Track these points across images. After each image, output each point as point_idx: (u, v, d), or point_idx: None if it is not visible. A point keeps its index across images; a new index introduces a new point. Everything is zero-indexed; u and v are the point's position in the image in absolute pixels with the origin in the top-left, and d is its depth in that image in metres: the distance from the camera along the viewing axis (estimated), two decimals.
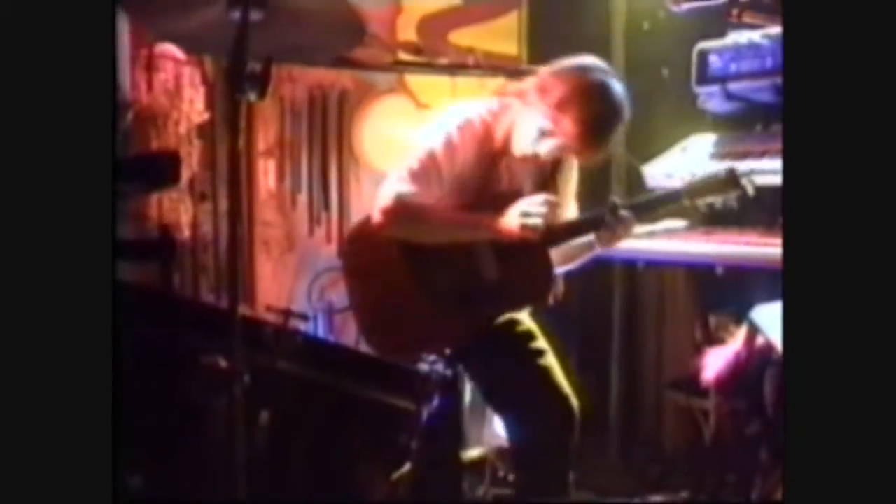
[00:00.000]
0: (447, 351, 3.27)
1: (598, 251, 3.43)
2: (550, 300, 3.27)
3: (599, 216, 3.27)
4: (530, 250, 3.21)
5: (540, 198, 3.17)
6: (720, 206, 3.37)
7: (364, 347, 3.37)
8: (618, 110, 3.18)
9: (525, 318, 3.49)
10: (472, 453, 4.33)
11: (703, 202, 3.36)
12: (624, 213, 3.25)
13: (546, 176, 3.42)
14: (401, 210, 3.17)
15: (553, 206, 3.18)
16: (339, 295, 5.29)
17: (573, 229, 3.35)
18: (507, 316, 3.43)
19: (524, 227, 3.11)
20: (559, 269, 3.47)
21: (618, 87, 3.20)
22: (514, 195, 3.24)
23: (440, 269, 3.28)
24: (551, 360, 3.40)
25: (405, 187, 3.18)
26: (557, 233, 3.28)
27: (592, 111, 3.13)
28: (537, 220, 3.12)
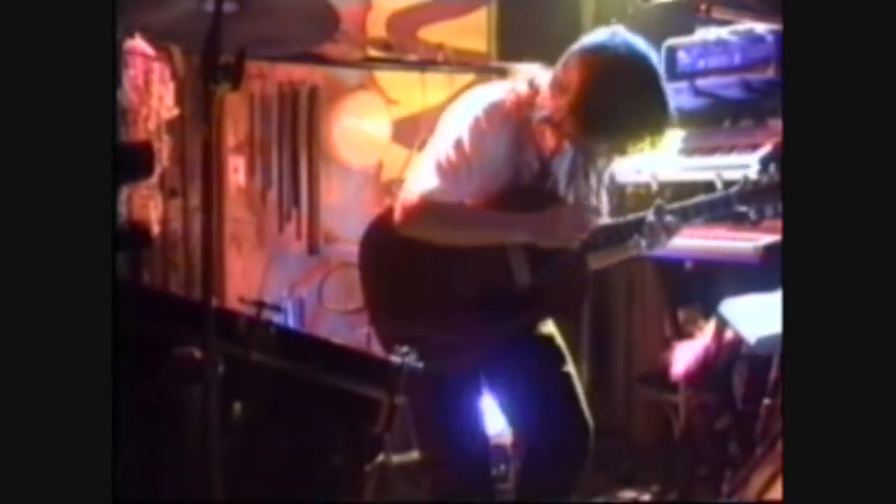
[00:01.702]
0: (469, 361, 3.11)
1: (634, 254, 3.27)
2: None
3: (641, 219, 3.10)
4: (568, 256, 3.06)
5: (586, 206, 3.07)
6: (770, 215, 3.16)
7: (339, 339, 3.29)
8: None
9: (555, 334, 3.32)
10: None
11: (752, 208, 3.15)
12: (669, 217, 3.08)
13: (579, 167, 3.20)
14: (427, 209, 2.97)
15: (598, 216, 3.07)
16: (309, 291, 5.31)
17: (614, 234, 3.16)
18: (539, 329, 3.28)
19: (570, 239, 2.99)
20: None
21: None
22: (550, 191, 3.10)
23: (468, 272, 3.08)
24: (576, 384, 3.28)
25: (431, 184, 2.99)
26: (597, 237, 3.12)
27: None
28: (584, 234, 3.00)
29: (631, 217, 3.20)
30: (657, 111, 2.96)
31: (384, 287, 3.20)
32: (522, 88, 3.07)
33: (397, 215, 3.03)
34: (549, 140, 3.05)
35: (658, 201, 3.16)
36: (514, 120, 3.03)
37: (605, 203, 3.32)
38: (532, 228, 3.01)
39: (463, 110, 3.07)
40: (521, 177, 3.08)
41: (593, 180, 3.25)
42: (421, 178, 3.03)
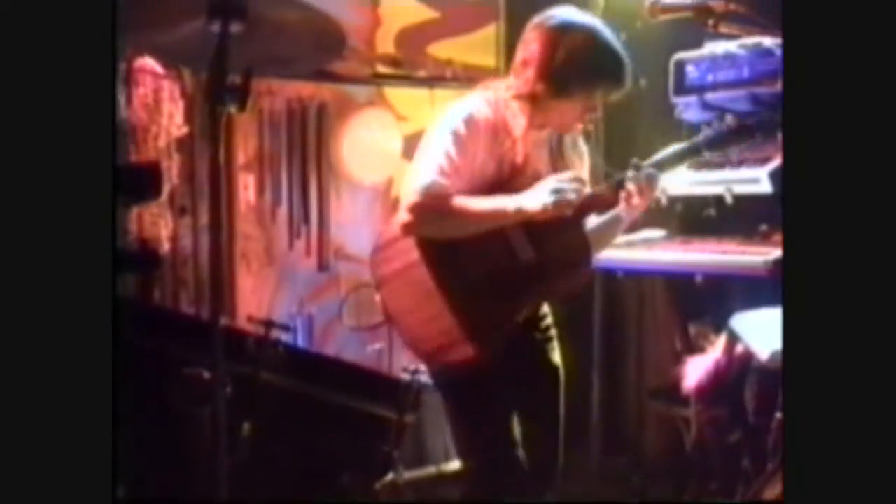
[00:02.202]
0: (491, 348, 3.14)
1: (626, 221, 3.39)
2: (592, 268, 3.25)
3: (621, 179, 3.23)
4: (563, 226, 3.14)
5: (569, 174, 3.14)
6: (736, 155, 3.43)
7: (349, 357, 3.30)
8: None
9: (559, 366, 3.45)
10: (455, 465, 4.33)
11: (721, 152, 3.37)
12: (648, 170, 3.22)
13: (556, 154, 3.35)
14: (428, 204, 3.08)
15: (581, 183, 3.13)
16: (319, 307, 5.31)
17: (597, 199, 3.27)
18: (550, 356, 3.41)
19: (557, 204, 3.05)
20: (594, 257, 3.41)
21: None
22: (533, 178, 3.17)
23: (474, 259, 3.17)
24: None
25: (429, 178, 3.11)
26: (581, 207, 3.20)
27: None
28: (571, 196, 3.06)
29: (608, 181, 3.32)
30: (610, 56, 3.18)
31: (401, 297, 3.26)
32: (491, 96, 3.24)
33: (402, 218, 3.13)
34: (524, 124, 3.19)
35: (634, 159, 3.27)
36: (492, 122, 3.18)
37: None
38: (526, 207, 3.08)
39: (441, 125, 3.21)
40: (503, 171, 3.20)
41: (574, 161, 3.39)
42: (418, 178, 3.14)
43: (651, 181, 3.24)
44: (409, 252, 3.19)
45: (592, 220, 3.38)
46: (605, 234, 3.42)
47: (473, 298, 3.15)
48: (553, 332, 3.46)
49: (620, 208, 3.31)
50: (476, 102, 3.22)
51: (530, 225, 3.14)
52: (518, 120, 3.17)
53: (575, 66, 3.12)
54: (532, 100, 3.17)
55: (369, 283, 3.33)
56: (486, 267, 3.17)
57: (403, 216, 3.12)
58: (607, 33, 3.19)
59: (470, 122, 3.15)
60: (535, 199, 3.07)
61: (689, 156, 3.34)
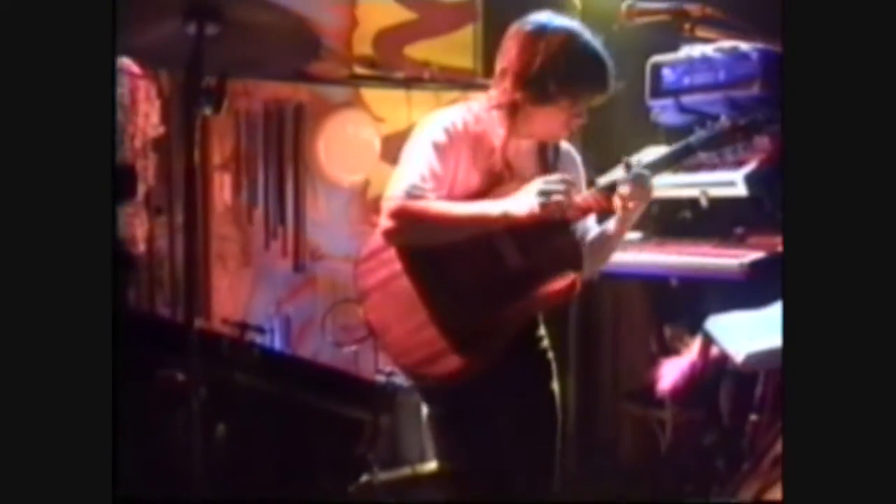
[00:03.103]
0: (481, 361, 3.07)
1: (626, 225, 3.26)
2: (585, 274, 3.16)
3: (613, 181, 3.17)
4: (553, 230, 3.08)
5: (557, 176, 3.06)
6: (731, 156, 3.32)
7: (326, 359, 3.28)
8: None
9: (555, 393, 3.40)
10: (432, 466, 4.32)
11: (715, 153, 3.27)
12: (641, 170, 3.16)
13: (549, 164, 3.25)
14: (409, 208, 3.01)
15: (570, 185, 3.07)
16: (296, 308, 5.30)
17: (590, 203, 3.19)
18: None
19: (545, 206, 2.99)
20: (603, 264, 3.38)
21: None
22: (518, 188, 3.11)
23: (460, 267, 3.10)
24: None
25: (409, 183, 3.04)
26: (574, 210, 3.15)
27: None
28: (559, 198, 3.00)
29: (603, 182, 3.26)
30: (591, 59, 3.12)
31: (386, 310, 3.19)
32: (475, 107, 3.19)
33: (383, 225, 3.06)
34: (503, 134, 3.13)
35: (625, 158, 3.22)
36: (472, 132, 3.13)
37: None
38: (512, 212, 3.03)
39: (421, 136, 3.15)
40: (488, 183, 3.14)
41: (567, 169, 3.28)
42: (399, 184, 3.07)
43: (645, 184, 3.17)
44: (392, 263, 3.13)
45: (591, 231, 3.34)
46: (602, 242, 3.32)
47: (460, 308, 3.09)
48: (550, 355, 3.40)
49: (616, 212, 3.21)
50: (457, 113, 3.17)
51: (518, 230, 3.07)
52: (497, 130, 3.12)
53: (554, 71, 3.05)
54: (512, 109, 3.10)
55: (350, 297, 3.28)
56: (473, 275, 3.10)
57: (384, 222, 3.06)
58: (587, 35, 3.13)
59: (450, 131, 3.09)
60: (521, 202, 3.02)
61: (683, 157, 3.28)
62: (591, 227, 3.36)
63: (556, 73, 3.05)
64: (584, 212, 3.19)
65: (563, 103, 3.10)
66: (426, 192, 3.03)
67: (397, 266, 3.12)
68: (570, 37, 3.10)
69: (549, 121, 3.14)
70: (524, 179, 3.11)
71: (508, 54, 3.13)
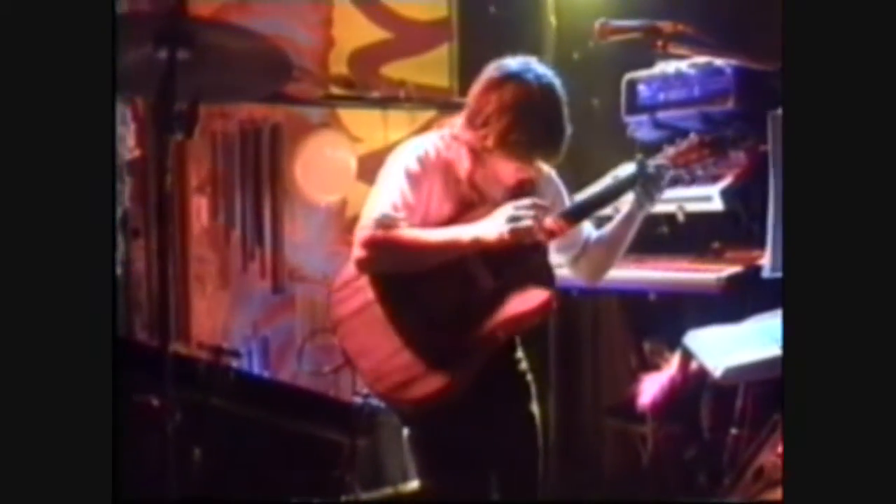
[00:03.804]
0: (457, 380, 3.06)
1: (640, 219, 3.31)
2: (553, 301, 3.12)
3: (631, 176, 3.22)
4: (525, 251, 3.07)
5: (527, 201, 3.05)
6: (702, 173, 3.35)
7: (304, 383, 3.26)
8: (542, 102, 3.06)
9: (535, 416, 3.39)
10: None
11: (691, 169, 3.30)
12: (653, 169, 3.21)
13: (523, 190, 3.20)
14: (380, 237, 3.00)
15: (541, 210, 3.06)
16: (274, 329, 5.29)
17: (603, 196, 3.28)
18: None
19: (514, 231, 2.99)
20: (610, 265, 3.43)
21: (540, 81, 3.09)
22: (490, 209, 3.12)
23: (432, 291, 3.09)
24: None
25: (380, 211, 3.03)
26: (585, 205, 3.23)
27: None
28: (527, 223, 2.99)
29: (615, 179, 3.31)
30: (540, 124, 3.07)
31: (360, 337, 3.18)
32: (450, 132, 3.18)
33: (356, 254, 3.05)
34: (467, 168, 3.14)
35: (638, 155, 3.27)
36: (443, 160, 3.13)
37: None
38: (482, 238, 3.02)
39: (393, 163, 3.15)
40: (460, 212, 3.13)
41: (546, 196, 3.26)
42: (371, 214, 3.06)
43: (662, 178, 3.22)
44: (366, 290, 3.13)
45: (591, 236, 3.38)
46: (618, 234, 3.35)
47: (433, 332, 3.08)
48: (529, 377, 3.40)
49: (631, 206, 3.28)
50: (429, 140, 3.18)
51: (490, 253, 3.07)
52: (463, 163, 3.12)
53: (497, 125, 3.03)
54: (468, 145, 3.10)
55: (325, 327, 3.26)
56: (446, 299, 3.10)
57: (357, 252, 3.05)
58: (551, 97, 3.08)
59: (422, 160, 3.10)
60: (490, 228, 3.02)
61: (615, 196, 3.31)
62: (588, 232, 3.39)
63: (499, 127, 3.02)
64: (552, 235, 3.18)
65: (504, 154, 3.08)
66: (398, 220, 3.02)
67: (370, 294, 3.12)
68: (527, 93, 3.04)
69: (499, 164, 3.12)
70: (496, 203, 3.11)
71: (471, 91, 3.14)
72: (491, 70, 3.12)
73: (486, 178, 3.15)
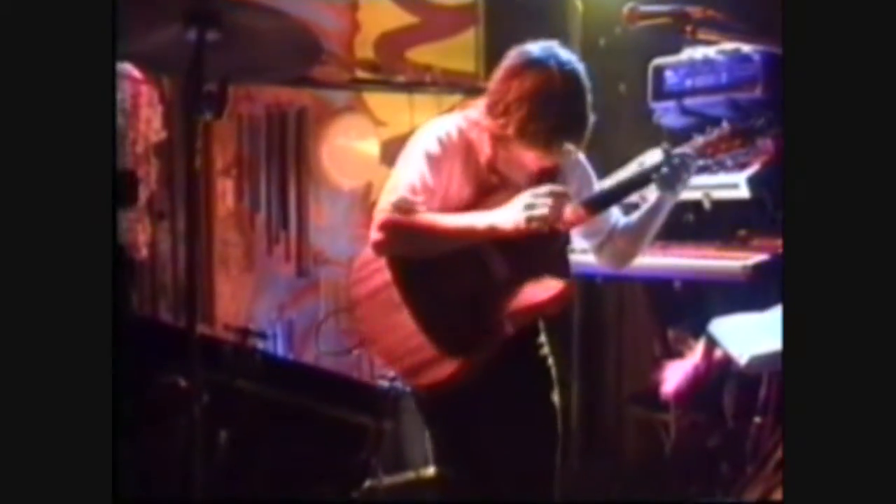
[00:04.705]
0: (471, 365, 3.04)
1: (667, 208, 3.27)
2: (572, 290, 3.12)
3: (655, 165, 3.14)
4: (540, 240, 3.01)
5: (545, 189, 3.00)
6: (731, 163, 3.27)
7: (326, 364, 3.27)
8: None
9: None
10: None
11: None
12: (681, 152, 3.14)
13: (555, 176, 3.17)
14: (397, 221, 2.99)
15: (560, 197, 3.00)
16: (299, 312, 5.30)
17: (626, 186, 3.21)
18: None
19: (530, 219, 2.95)
20: (635, 254, 3.39)
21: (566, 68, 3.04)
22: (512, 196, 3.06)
23: (446, 277, 3.07)
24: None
25: (399, 195, 3.01)
26: (607, 195, 3.19)
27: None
28: (543, 211, 2.95)
29: (640, 167, 3.23)
30: (562, 110, 3.01)
31: (377, 319, 3.18)
32: (473, 114, 3.13)
33: (373, 237, 3.05)
34: (488, 153, 3.11)
35: (664, 144, 3.20)
36: (465, 142, 3.10)
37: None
38: (498, 226, 2.99)
39: (415, 144, 3.12)
40: (480, 195, 3.10)
41: (573, 183, 3.24)
42: (387, 196, 3.05)
43: (688, 166, 3.15)
44: (383, 272, 3.12)
45: (619, 222, 3.35)
46: (647, 221, 3.32)
47: (447, 318, 3.07)
48: (550, 362, 3.37)
49: (656, 195, 3.23)
50: (451, 122, 3.15)
51: (505, 241, 3.04)
52: (484, 147, 3.09)
53: (517, 112, 2.98)
54: (493, 134, 3.06)
55: (341, 307, 3.26)
56: (461, 285, 3.08)
57: (374, 234, 3.05)
58: (573, 83, 3.03)
59: (443, 142, 3.07)
60: (507, 216, 2.99)
61: (638, 186, 3.24)
62: (616, 219, 3.35)
63: (519, 116, 2.97)
64: (572, 225, 3.16)
65: (525, 143, 3.03)
66: (416, 204, 3.01)
67: (386, 276, 3.11)
68: (548, 81, 2.99)
69: (522, 149, 3.06)
70: (519, 188, 3.07)
71: (493, 78, 3.09)
72: (512, 56, 3.08)
73: (508, 163, 3.11)
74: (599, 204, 3.22)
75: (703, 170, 3.27)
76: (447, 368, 3.01)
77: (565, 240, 3.17)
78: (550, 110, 2.98)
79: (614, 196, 3.25)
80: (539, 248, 3.06)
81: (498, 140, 3.06)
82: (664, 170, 3.14)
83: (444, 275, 3.09)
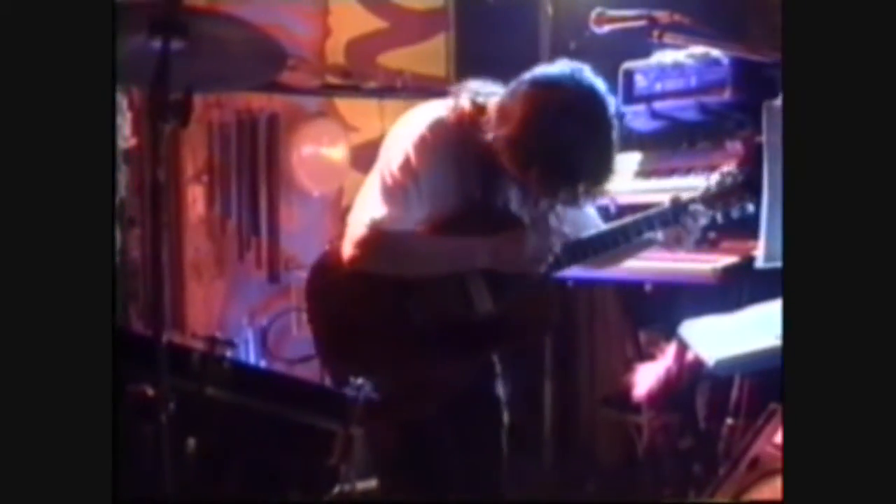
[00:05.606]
0: (434, 402, 2.96)
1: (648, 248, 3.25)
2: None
3: (663, 213, 3.07)
4: (530, 282, 2.93)
5: (549, 230, 2.92)
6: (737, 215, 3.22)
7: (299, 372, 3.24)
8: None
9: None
10: None
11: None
12: (692, 207, 3.07)
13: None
14: (379, 241, 2.83)
15: (559, 237, 2.94)
16: (270, 320, 5.29)
17: (632, 228, 3.13)
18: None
19: (532, 262, 2.86)
20: (612, 266, 3.34)
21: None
22: (503, 211, 2.94)
23: (425, 303, 2.90)
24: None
25: (380, 212, 2.84)
26: (596, 244, 3.07)
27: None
28: (546, 258, 2.88)
29: (646, 213, 3.15)
30: (599, 159, 2.88)
31: (335, 329, 3.05)
32: (465, 105, 2.95)
33: (347, 250, 2.89)
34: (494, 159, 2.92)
35: (674, 194, 3.16)
36: (458, 136, 2.90)
37: (564, 219, 3.12)
38: (493, 253, 2.88)
39: (407, 129, 2.94)
40: (471, 196, 2.94)
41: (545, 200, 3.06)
42: (369, 208, 2.90)
43: (696, 221, 3.09)
44: (350, 283, 2.94)
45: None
46: (626, 253, 3.31)
47: (415, 347, 2.93)
48: (494, 357, 3.23)
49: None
50: (444, 109, 2.96)
51: (492, 274, 2.92)
52: (474, 161, 2.90)
53: (547, 155, 2.79)
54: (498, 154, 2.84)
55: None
56: (437, 314, 2.93)
57: (350, 251, 2.88)
58: (589, 102, 2.90)
59: (437, 126, 2.90)
60: (506, 250, 2.87)
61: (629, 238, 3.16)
62: (596, 227, 3.23)
63: (546, 167, 2.80)
64: (618, 244, 3.11)
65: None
66: (401, 220, 2.86)
67: (350, 288, 2.95)
68: (584, 136, 2.85)
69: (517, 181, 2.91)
70: (507, 202, 2.96)
71: (516, 105, 2.85)
72: (525, 81, 2.89)
73: (498, 175, 2.93)
74: (586, 253, 3.12)
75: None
76: (408, 411, 2.94)
77: (550, 276, 3.06)
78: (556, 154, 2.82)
79: (604, 246, 3.14)
80: (528, 283, 2.95)
81: (491, 154, 2.86)
82: (672, 223, 3.08)
83: (420, 300, 2.92)
